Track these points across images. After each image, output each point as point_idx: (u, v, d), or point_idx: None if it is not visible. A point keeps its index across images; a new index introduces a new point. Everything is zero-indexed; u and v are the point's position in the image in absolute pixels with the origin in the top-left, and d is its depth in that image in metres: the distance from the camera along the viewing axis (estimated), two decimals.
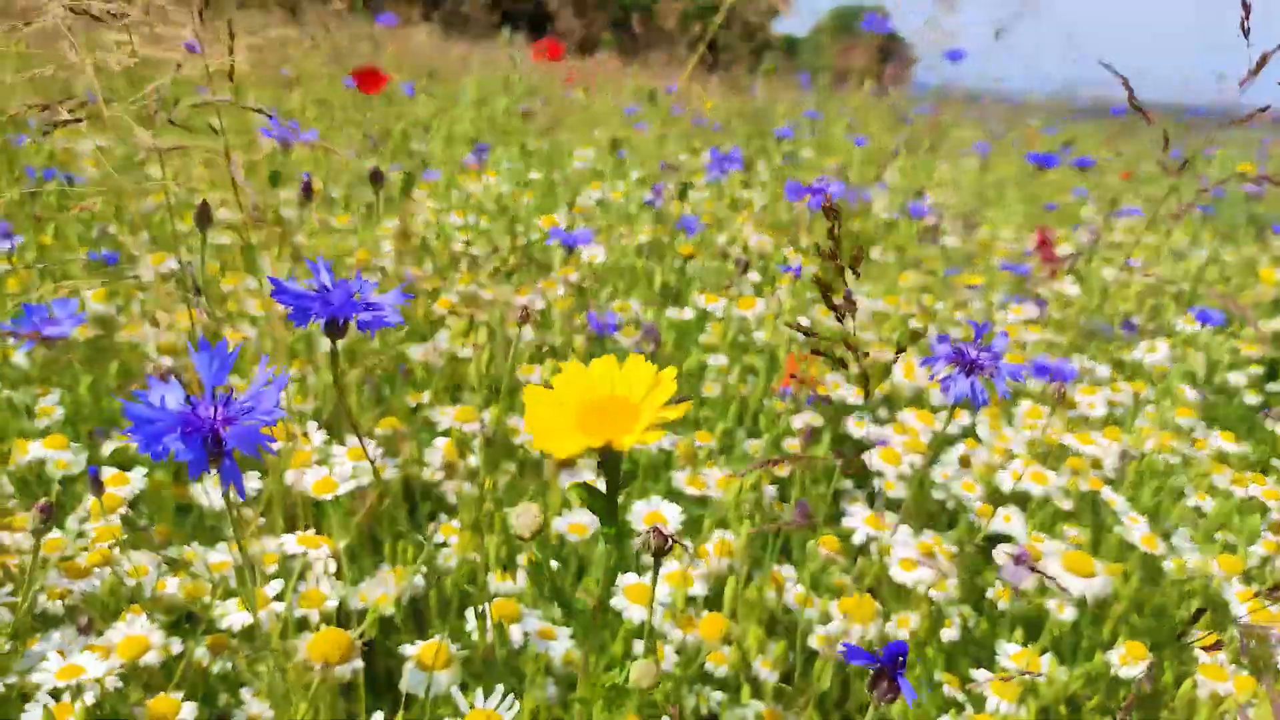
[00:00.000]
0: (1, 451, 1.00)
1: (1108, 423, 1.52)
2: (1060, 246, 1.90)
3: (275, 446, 0.94)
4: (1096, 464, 1.29)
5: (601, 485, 0.35)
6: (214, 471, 0.48)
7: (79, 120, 0.70)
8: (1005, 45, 2.13)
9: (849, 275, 0.50)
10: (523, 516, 0.39)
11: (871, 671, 0.45)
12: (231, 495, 0.56)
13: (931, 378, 0.63)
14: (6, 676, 0.81)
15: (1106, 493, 1.25)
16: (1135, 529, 1.18)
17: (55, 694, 0.78)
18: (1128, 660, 1.02)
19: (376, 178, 0.89)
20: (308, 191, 0.87)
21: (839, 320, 0.50)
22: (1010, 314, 1.74)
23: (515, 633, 0.84)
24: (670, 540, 0.69)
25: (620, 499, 0.34)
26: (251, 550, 0.91)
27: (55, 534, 0.93)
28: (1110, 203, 2.40)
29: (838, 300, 0.49)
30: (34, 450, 1.04)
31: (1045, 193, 2.68)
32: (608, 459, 0.31)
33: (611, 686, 0.38)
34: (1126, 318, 1.65)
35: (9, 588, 0.85)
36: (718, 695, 0.95)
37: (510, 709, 0.75)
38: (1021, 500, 1.30)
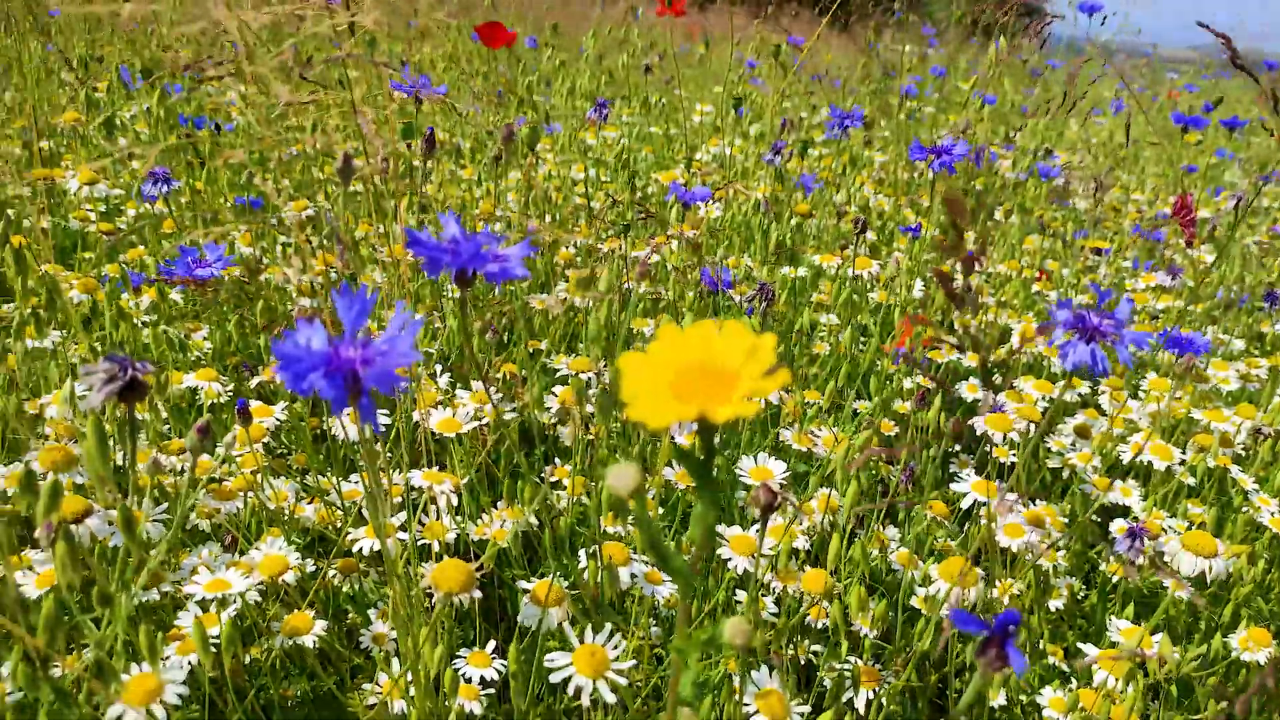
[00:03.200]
0: (159, 381, 1.08)
1: (1240, 399, 1.45)
2: (1200, 211, 1.80)
3: (405, 386, 0.98)
4: (1226, 441, 1.24)
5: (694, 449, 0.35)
6: (352, 408, 0.51)
7: (222, 77, 0.74)
8: None
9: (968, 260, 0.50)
10: (621, 477, 0.37)
11: (980, 639, 0.45)
12: (366, 430, 0.60)
13: (1051, 343, 0.62)
14: (162, 585, 0.88)
15: (1235, 471, 1.20)
16: (1265, 510, 1.13)
17: (203, 605, 0.85)
18: (1249, 644, 0.99)
19: (508, 137, 0.92)
20: (431, 144, 0.90)
21: (957, 306, 0.50)
22: (1140, 281, 1.67)
23: (624, 575, 0.87)
24: (777, 497, 0.70)
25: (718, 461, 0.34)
26: (380, 482, 0.97)
27: (204, 458, 1.01)
28: (1260, 166, 2.25)
29: (956, 288, 0.49)
30: (187, 380, 1.13)
31: (1185, 154, 2.53)
32: (703, 426, 0.31)
33: (707, 639, 0.39)
34: (1270, 289, 1.56)
35: (164, 506, 0.93)
36: (817, 648, 0.97)
37: (617, 647, 0.79)
38: (1142, 474, 1.26)
